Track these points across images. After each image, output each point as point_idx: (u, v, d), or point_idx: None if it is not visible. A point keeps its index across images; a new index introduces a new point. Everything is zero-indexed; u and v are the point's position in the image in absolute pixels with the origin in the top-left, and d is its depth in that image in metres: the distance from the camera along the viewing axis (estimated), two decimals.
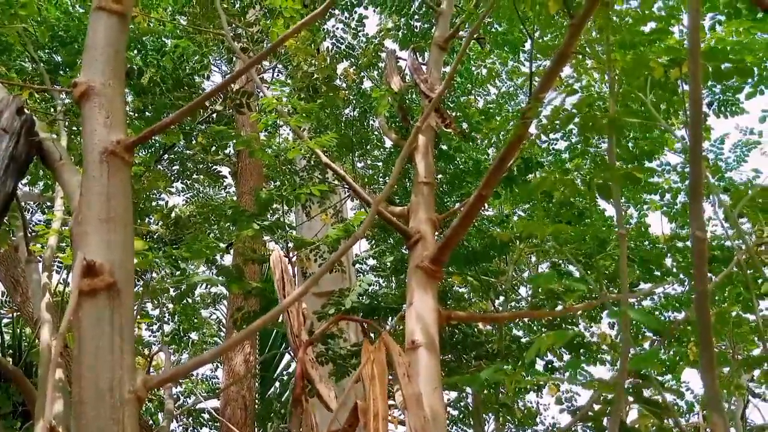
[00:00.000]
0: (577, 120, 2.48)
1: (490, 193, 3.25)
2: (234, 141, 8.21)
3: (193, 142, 7.13)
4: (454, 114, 4.55)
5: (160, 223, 5.84)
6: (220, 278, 3.67)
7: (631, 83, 2.33)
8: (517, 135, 2.77)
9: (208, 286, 8.67)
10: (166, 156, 7.56)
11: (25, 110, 2.44)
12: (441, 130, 3.70)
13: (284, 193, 3.76)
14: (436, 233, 3.50)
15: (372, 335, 2.85)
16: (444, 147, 4.42)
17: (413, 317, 3.04)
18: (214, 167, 8.69)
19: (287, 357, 7.41)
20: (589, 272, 3.98)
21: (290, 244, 3.99)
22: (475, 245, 4.36)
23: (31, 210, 6.99)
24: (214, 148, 6.68)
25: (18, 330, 7.24)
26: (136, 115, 5.62)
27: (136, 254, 2.93)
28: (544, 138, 5.20)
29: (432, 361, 2.88)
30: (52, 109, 4.44)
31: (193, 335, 6.74)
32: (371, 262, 6.77)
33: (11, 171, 2.24)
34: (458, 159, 4.59)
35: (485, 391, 4.17)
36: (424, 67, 4.41)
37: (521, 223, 3.13)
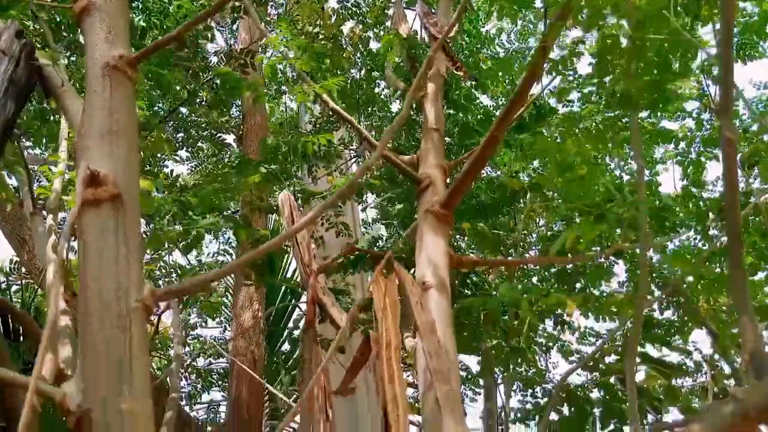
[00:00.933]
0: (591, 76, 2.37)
1: (503, 134, 3.17)
2: (239, 105, 8.13)
3: (197, 107, 7.04)
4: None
5: (165, 192, 5.79)
6: (228, 224, 3.63)
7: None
8: (534, 65, 2.68)
9: (216, 256, 8.67)
10: (170, 123, 7.48)
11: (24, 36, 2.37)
12: (451, 73, 3.61)
13: (292, 140, 3.69)
14: (446, 180, 3.44)
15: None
16: (454, 96, 4.32)
17: (424, 260, 2.99)
18: (219, 135, 8.59)
19: (296, 313, 7.41)
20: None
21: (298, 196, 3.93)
22: (485, 198, 4.28)
23: (37, 177, 6.96)
24: (220, 109, 6.59)
25: (27, 297, 7.25)
26: None
27: (141, 198, 2.87)
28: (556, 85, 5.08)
29: (443, 302, 2.83)
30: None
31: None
32: (379, 232, 6.74)
33: (11, 94, 2.18)
34: (469, 111, 4.49)
35: (495, 340, 4.14)
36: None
37: (538, 177, 3.06)
